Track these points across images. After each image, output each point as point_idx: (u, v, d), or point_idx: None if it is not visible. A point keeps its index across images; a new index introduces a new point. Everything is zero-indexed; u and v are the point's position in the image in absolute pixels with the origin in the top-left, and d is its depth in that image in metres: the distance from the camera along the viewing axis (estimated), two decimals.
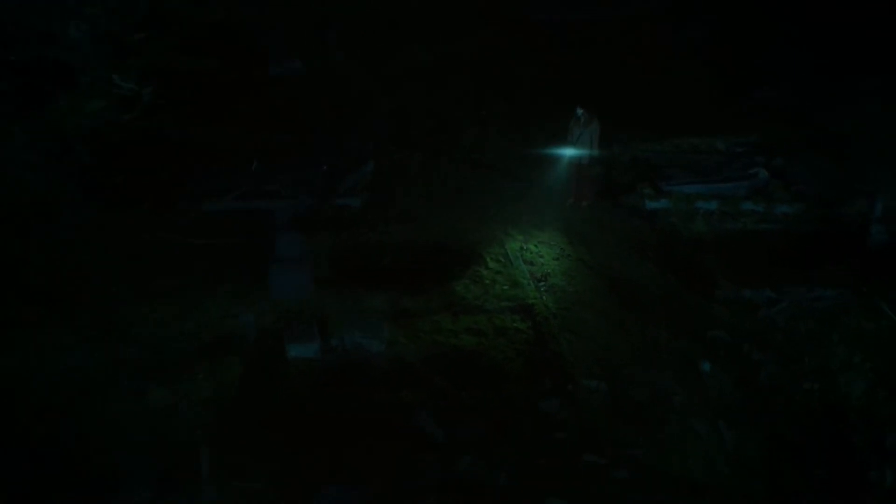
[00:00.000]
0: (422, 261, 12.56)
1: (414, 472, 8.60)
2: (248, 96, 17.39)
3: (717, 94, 18.28)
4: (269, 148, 15.21)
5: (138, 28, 9.65)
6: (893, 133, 16.15)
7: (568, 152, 14.23)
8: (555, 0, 22.23)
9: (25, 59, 9.01)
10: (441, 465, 8.74)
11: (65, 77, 9.55)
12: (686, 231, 13.66)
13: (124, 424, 9.01)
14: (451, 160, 15.78)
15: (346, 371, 10.13)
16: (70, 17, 8.71)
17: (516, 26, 21.20)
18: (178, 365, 9.96)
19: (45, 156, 10.43)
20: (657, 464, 8.98)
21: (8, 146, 9.74)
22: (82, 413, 9.17)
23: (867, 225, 13.14)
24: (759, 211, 14.13)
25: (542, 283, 12.21)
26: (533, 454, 9.00)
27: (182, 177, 14.11)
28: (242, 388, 9.81)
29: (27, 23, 8.61)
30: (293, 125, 16.32)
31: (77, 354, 9.93)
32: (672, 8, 22.03)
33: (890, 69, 18.24)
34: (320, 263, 12.15)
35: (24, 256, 11.50)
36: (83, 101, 9.88)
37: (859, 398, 9.38)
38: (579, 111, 13.90)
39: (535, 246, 13.20)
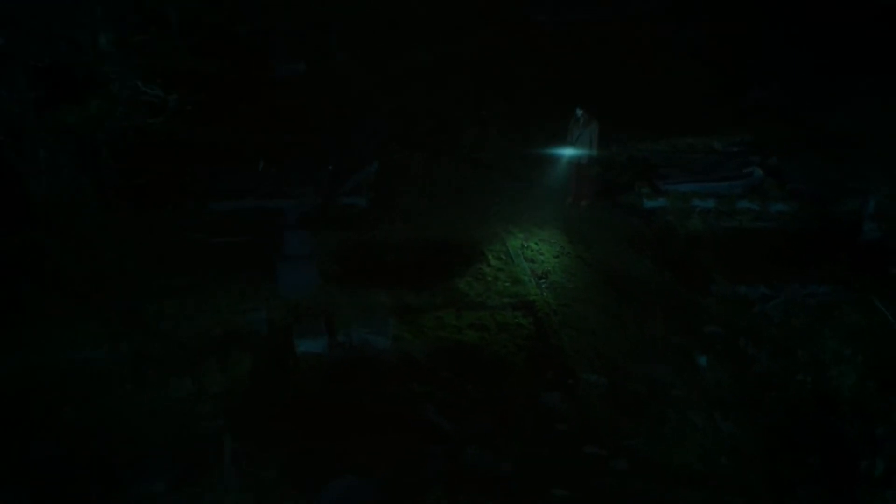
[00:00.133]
0: (425, 258, 12.66)
1: (421, 463, 8.69)
2: (252, 97, 17.43)
3: (713, 94, 18.39)
4: (274, 148, 15.26)
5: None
6: (886, 133, 16.26)
7: (567, 152, 14.32)
8: (554, 1, 22.30)
9: (57, 66, 9.22)
10: (447, 455, 8.83)
11: (94, 84, 9.75)
12: (683, 229, 13.71)
13: (147, 414, 9.18)
14: (453, 160, 15.87)
15: (354, 366, 10.23)
16: (97, 26, 8.91)
17: (516, 27, 21.26)
18: (193, 359, 10.08)
19: (71, 158, 10.63)
20: (656, 455, 9.03)
21: (37, 150, 9.93)
22: (106, 404, 9.33)
23: (860, 223, 13.18)
24: (755, 209, 14.21)
25: (543, 280, 12.33)
26: (536, 445, 9.08)
27: (193, 178, 14.19)
28: (254, 382, 9.92)
29: (58, 32, 8.82)
30: (297, 126, 16.35)
31: (101, 348, 10.09)
32: (670, 8, 22.10)
33: (884, 69, 18.30)
34: (326, 261, 12.24)
35: (51, 254, 11.65)
36: (112, 107, 10.08)
37: (851, 390, 9.40)
38: (579, 112, 13.98)
39: (536, 244, 13.31)
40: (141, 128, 10.53)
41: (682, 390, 10.00)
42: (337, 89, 18.29)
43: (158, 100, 10.27)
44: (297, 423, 9.20)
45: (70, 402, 9.37)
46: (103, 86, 9.91)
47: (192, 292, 11.38)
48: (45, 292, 11.02)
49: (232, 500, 8.18)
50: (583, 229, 13.79)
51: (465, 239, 13.25)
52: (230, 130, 15.79)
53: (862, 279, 11.87)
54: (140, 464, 8.55)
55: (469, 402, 9.71)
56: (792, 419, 9.37)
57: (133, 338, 10.36)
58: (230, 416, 9.23)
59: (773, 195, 14.50)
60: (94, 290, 11.17)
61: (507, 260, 12.81)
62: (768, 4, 21.66)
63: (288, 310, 11.22)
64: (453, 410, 9.54)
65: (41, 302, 10.88)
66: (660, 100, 17.93)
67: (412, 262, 12.56)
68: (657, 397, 9.89)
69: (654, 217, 14.12)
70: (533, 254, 13.05)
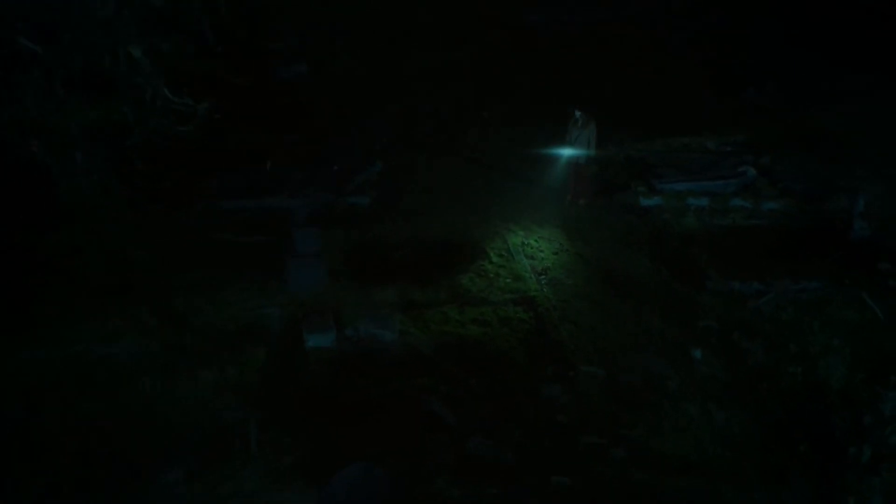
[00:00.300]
0: (429, 255, 12.79)
1: (428, 451, 8.85)
2: (258, 99, 17.53)
3: (707, 95, 18.54)
4: (281, 149, 15.42)
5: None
6: (876, 132, 16.48)
7: (566, 152, 14.47)
8: (552, 5, 22.41)
9: (92, 74, 9.52)
10: (452, 445, 8.98)
11: (127, 92, 10.04)
12: (678, 227, 13.83)
13: (168, 406, 9.43)
14: (455, 160, 16.02)
15: (362, 359, 10.38)
16: (130, 37, 9.20)
17: (515, 31, 21.35)
18: (211, 353, 10.30)
19: (104, 162, 10.92)
20: (653, 444, 9.14)
21: (74, 154, 10.21)
22: (127, 396, 9.58)
23: (850, 220, 13.30)
24: (748, 207, 14.34)
25: (543, 277, 12.47)
26: (537, 435, 9.20)
27: (208, 179, 14.45)
28: (269, 375, 10.11)
29: (93, 42, 9.12)
30: (302, 127, 16.50)
31: (133, 342, 10.38)
32: (665, 9, 22.30)
33: (875, 68, 18.50)
34: (334, 258, 12.39)
35: (81, 253, 11.91)
36: (143, 115, 10.37)
37: (839, 381, 9.47)
38: (577, 113, 14.12)
39: (536, 241, 13.45)
40: (169, 134, 10.81)
41: (678, 382, 10.14)
42: (342, 91, 18.39)
43: (188, 108, 10.56)
44: (309, 414, 9.38)
45: (94, 394, 9.59)
46: (136, 94, 10.19)
47: (206, 289, 11.57)
48: (76, 290, 11.23)
49: (250, 488, 8.38)
50: (581, 227, 13.93)
51: (467, 237, 13.38)
52: (242, 132, 15.91)
53: (852, 275, 11.98)
54: (158, 453, 8.73)
55: (472, 394, 9.85)
56: (783, 409, 9.45)
57: (154, 333, 10.59)
58: (250, 406, 9.42)
59: (765, 194, 14.65)
60: (122, 288, 11.40)
61: (507, 257, 12.94)
62: (761, 5, 21.80)
63: (298, 306, 11.39)
64: (457, 402, 9.66)
65: (72, 299, 11.08)
66: (655, 100, 18.05)
67: (416, 259, 12.69)
68: (654, 389, 10.02)
69: (650, 215, 14.24)
70: (533, 251, 13.19)
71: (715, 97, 18.60)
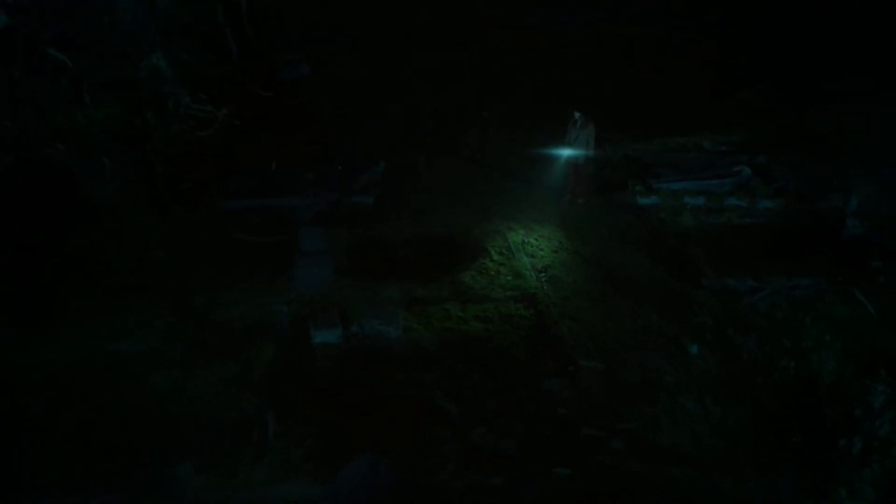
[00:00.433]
0: (431, 253, 12.92)
1: (433, 444, 9.06)
2: (264, 101, 17.55)
3: (703, 95, 18.65)
4: (286, 149, 15.52)
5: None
6: (869, 132, 16.57)
7: (565, 152, 14.60)
8: (552, 5, 22.49)
9: (118, 83, 9.79)
10: (456, 437, 9.17)
11: (152, 101, 10.28)
12: (674, 225, 13.95)
13: (181, 401, 9.67)
14: (456, 160, 16.13)
15: (367, 355, 10.56)
16: (156, 48, 9.46)
17: (515, 31, 21.44)
18: (221, 348, 10.51)
19: (129, 166, 11.17)
20: (650, 436, 9.31)
21: (102, 158, 10.47)
22: (139, 390, 9.85)
23: (843, 219, 13.38)
24: (743, 206, 14.44)
25: (543, 274, 12.60)
26: (538, 428, 9.39)
27: (217, 180, 14.53)
28: (278, 370, 10.30)
29: (121, 52, 9.40)
30: (306, 127, 16.61)
31: (149, 338, 10.58)
32: (666, 10, 22.38)
33: (874, 68, 18.59)
34: (338, 256, 12.55)
35: (104, 253, 12.15)
36: (166, 121, 10.63)
37: (831, 375, 9.55)
38: (576, 114, 14.24)
39: (536, 239, 13.57)
40: (189, 139, 11.08)
41: (675, 376, 10.32)
42: (345, 93, 18.49)
43: (208, 114, 10.82)
44: (318, 408, 9.59)
45: (110, 388, 9.83)
46: (158, 102, 10.45)
47: (218, 287, 11.76)
48: (97, 287, 11.44)
49: (261, 479, 8.59)
50: (580, 226, 14.07)
51: (468, 235, 13.51)
52: (251, 135, 15.97)
53: (844, 272, 12.14)
54: (171, 446, 8.93)
55: (475, 389, 10.02)
56: (776, 402, 9.57)
57: (171, 330, 10.80)
58: (263, 400, 9.63)
59: (760, 193, 14.75)
60: (140, 287, 11.62)
61: (508, 255, 13.07)
62: (761, 5, 21.87)
63: (304, 303, 11.56)
64: (460, 396, 9.84)
65: (93, 296, 11.30)
66: (653, 101, 18.18)
67: (419, 257, 12.82)
68: (651, 383, 10.21)
69: (647, 214, 14.37)
70: (533, 249, 13.31)
71: (713, 97, 18.69)
